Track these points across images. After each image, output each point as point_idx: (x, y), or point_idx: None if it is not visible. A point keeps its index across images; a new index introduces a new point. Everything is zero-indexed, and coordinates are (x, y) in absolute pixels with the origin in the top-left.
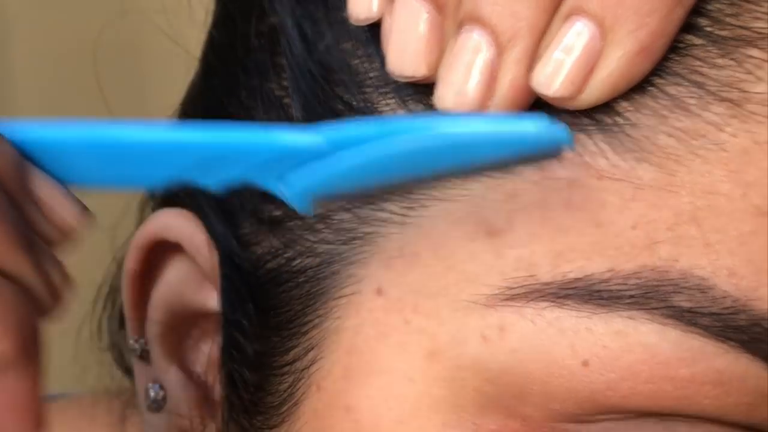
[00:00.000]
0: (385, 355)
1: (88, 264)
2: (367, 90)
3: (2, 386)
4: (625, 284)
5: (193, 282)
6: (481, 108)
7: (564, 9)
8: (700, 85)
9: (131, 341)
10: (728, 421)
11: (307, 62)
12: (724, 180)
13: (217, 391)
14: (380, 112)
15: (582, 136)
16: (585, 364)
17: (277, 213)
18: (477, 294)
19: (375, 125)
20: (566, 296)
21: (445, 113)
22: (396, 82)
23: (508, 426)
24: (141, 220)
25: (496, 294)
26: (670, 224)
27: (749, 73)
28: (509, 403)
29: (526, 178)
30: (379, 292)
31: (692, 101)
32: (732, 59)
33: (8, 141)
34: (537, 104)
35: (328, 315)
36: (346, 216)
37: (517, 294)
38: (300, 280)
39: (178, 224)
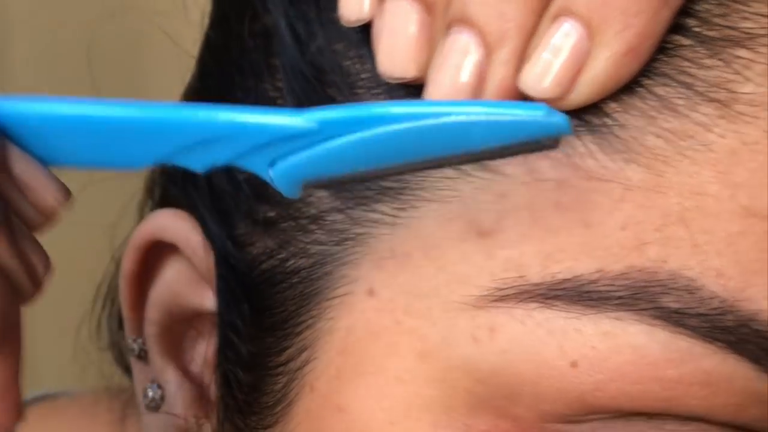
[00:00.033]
0: (376, 355)
1: (87, 264)
2: (359, 91)
3: None
4: (614, 285)
5: (189, 282)
6: None
7: (552, 10)
8: (688, 86)
9: (129, 341)
10: (717, 421)
11: (299, 63)
12: (712, 181)
13: (213, 391)
14: None
15: (570, 137)
16: (574, 365)
17: (272, 214)
18: (467, 295)
19: (367, 108)
20: (555, 297)
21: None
22: (387, 83)
23: (498, 426)
24: (140, 219)
25: (485, 295)
26: (659, 225)
27: (737, 73)
28: (500, 404)
29: (516, 179)
30: (371, 292)
31: (680, 102)
32: (720, 60)
33: None
34: None
35: (322, 315)
36: (338, 217)
37: (507, 295)
38: (294, 280)
39: (174, 225)
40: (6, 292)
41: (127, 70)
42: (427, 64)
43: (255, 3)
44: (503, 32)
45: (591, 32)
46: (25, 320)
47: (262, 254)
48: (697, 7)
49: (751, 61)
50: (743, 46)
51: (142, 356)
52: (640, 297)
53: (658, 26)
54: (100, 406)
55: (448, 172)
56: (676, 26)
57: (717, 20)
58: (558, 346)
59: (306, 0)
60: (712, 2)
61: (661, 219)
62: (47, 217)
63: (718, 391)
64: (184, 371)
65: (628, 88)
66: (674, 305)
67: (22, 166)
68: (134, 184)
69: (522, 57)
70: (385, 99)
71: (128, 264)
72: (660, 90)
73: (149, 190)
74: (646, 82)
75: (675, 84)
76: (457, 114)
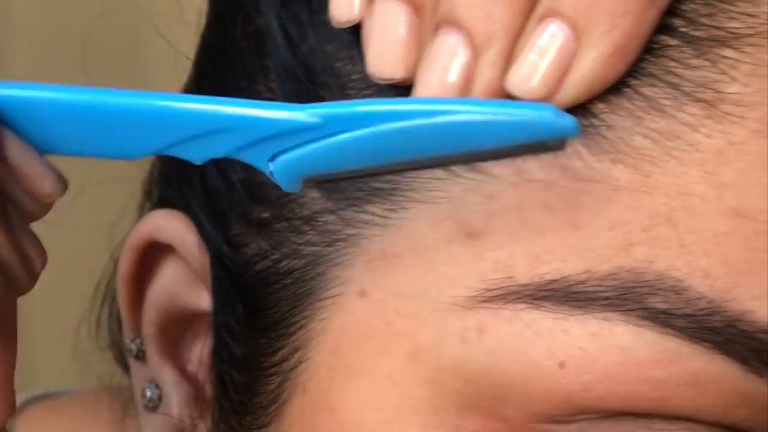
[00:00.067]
0: (368, 356)
1: (87, 264)
2: (350, 92)
3: None
4: (601, 286)
5: (185, 283)
6: None
7: (538, 11)
8: (674, 86)
9: (127, 341)
10: (705, 421)
11: (292, 64)
12: (699, 181)
13: (208, 391)
14: None
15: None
16: (561, 365)
17: (265, 215)
18: (456, 296)
19: (372, 104)
20: (543, 298)
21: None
22: (377, 84)
23: (488, 427)
24: (139, 220)
25: (474, 296)
26: (646, 225)
27: (723, 73)
28: (489, 404)
29: (504, 180)
30: (362, 293)
31: (667, 102)
32: (706, 60)
33: None
34: None
35: (314, 316)
36: (330, 218)
37: (495, 296)
38: (287, 281)
39: (169, 225)
40: (2, 284)
41: (125, 71)
42: (416, 65)
43: (248, 5)
44: (490, 33)
45: (577, 33)
46: (24, 320)
47: (256, 255)
48: (684, 7)
49: (738, 61)
50: (729, 46)
51: (140, 356)
52: (627, 297)
53: (645, 26)
54: (101, 405)
55: (438, 173)
56: (662, 26)
57: (703, 20)
58: (546, 347)
59: (298, 2)
60: (699, 2)
61: (649, 219)
62: (43, 207)
63: (705, 392)
64: (182, 371)
65: (615, 88)
66: (661, 306)
67: (18, 153)
68: (133, 185)
69: (509, 58)
70: None
71: (125, 265)
72: (647, 90)
73: (147, 191)
74: (633, 82)
75: (662, 84)
76: (465, 112)
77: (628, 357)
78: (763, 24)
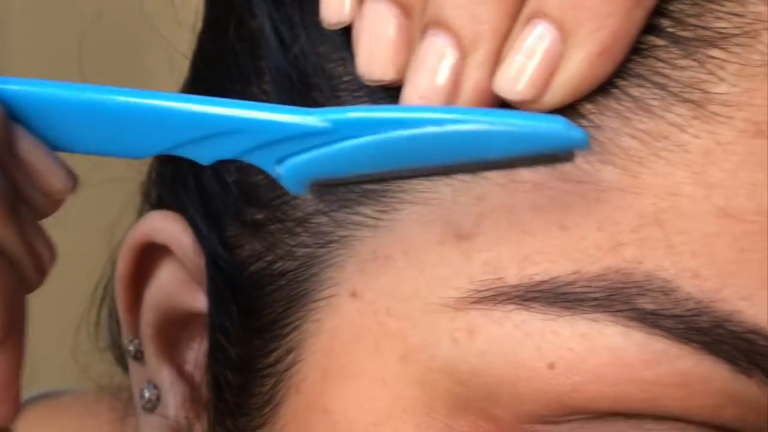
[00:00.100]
0: (360, 357)
1: (87, 265)
2: (341, 94)
3: None
4: (590, 286)
5: (182, 284)
6: None
7: (525, 12)
8: (662, 87)
9: (126, 342)
10: (695, 421)
11: (284, 66)
12: (687, 181)
13: (204, 392)
14: None
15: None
16: (551, 366)
17: (259, 216)
18: (446, 297)
19: (383, 111)
20: (532, 299)
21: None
22: (368, 85)
23: (479, 427)
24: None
25: (464, 297)
26: (634, 226)
27: (711, 73)
28: (480, 405)
29: (493, 181)
30: (355, 294)
31: (655, 103)
32: (694, 60)
33: None
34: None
35: (308, 317)
36: (322, 219)
37: (485, 297)
38: (281, 282)
39: (166, 227)
40: (13, 280)
41: (124, 71)
42: (405, 66)
43: (241, 7)
44: (477, 35)
45: (564, 34)
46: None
47: (251, 257)
48: (671, 8)
49: (725, 61)
50: (717, 46)
51: (139, 357)
52: (615, 298)
53: (632, 26)
54: (102, 405)
55: None
56: (650, 27)
57: (691, 20)
58: (535, 348)
59: (290, 3)
60: (686, 2)
61: (637, 220)
62: (54, 203)
63: (694, 392)
64: (179, 372)
65: (603, 89)
66: (650, 306)
67: (29, 149)
68: (132, 186)
69: (497, 59)
70: (366, 101)
71: (122, 266)
72: (635, 91)
73: (145, 192)
74: (621, 83)
75: (649, 85)
76: (477, 122)
77: (617, 358)
78: (750, 24)
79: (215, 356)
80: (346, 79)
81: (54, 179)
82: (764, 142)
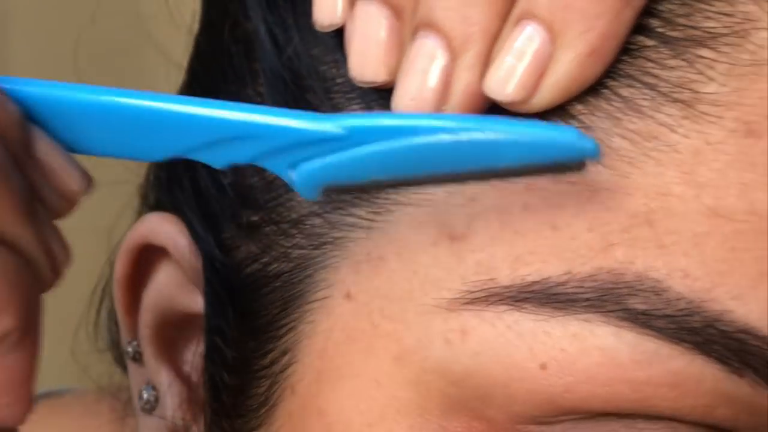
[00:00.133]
0: (354, 359)
1: (86, 265)
2: (335, 96)
3: (2, 362)
4: (582, 287)
5: (179, 286)
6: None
7: (515, 13)
8: (652, 87)
9: (125, 343)
10: (687, 421)
11: (279, 68)
12: (677, 181)
13: (201, 393)
14: None
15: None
16: (543, 367)
17: (255, 218)
18: (439, 298)
19: (397, 118)
20: (525, 299)
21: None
22: (361, 87)
23: (473, 428)
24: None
25: (457, 298)
26: (625, 226)
27: (700, 73)
28: (474, 406)
29: (485, 182)
30: (348, 296)
31: (645, 103)
32: (683, 60)
33: (13, 100)
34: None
35: (303, 319)
36: (317, 221)
37: (478, 298)
38: (276, 284)
39: (163, 229)
40: (30, 279)
41: (123, 73)
42: (397, 67)
43: (236, 9)
44: (467, 36)
45: (553, 35)
46: None
47: (246, 258)
48: (661, 8)
49: (714, 60)
50: (706, 46)
51: (138, 358)
52: (607, 299)
53: (621, 27)
54: (102, 405)
55: None
56: (639, 27)
57: (680, 20)
58: (528, 349)
59: (284, 6)
60: (675, 2)
61: (628, 220)
62: (70, 204)
63: (686, 392)
64: (177, 373)
65: (592, 89)
66: (641, 306)
67: (46, 150)
68: (131, 188)
69: (487, 61)
70: (359, 103)
71: (120, 267)
72: (624, 91)
73: (144, 194)
74: (611, 83)
75: (639, 85)
76: (490, 131)
77: (609, 358)
78: (739, 23)
79: (212, 358)
80: (339, 81)
81: (70, 180)
82: (754, 142)
